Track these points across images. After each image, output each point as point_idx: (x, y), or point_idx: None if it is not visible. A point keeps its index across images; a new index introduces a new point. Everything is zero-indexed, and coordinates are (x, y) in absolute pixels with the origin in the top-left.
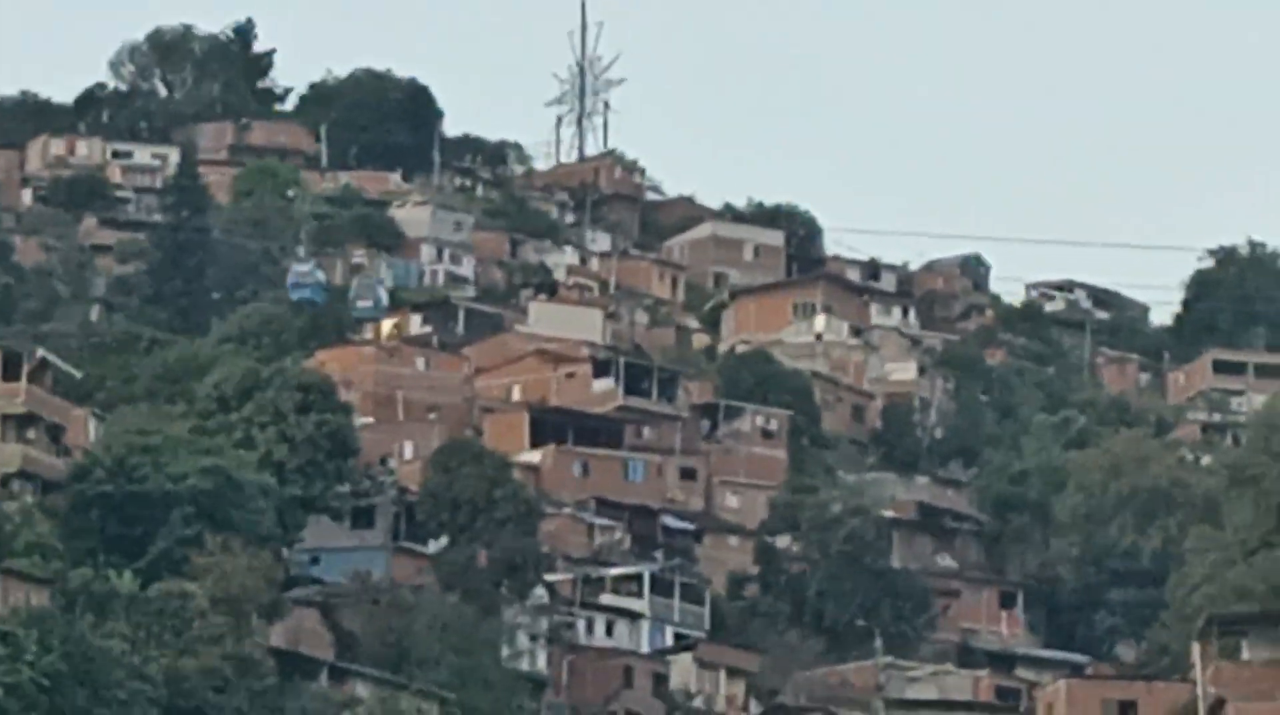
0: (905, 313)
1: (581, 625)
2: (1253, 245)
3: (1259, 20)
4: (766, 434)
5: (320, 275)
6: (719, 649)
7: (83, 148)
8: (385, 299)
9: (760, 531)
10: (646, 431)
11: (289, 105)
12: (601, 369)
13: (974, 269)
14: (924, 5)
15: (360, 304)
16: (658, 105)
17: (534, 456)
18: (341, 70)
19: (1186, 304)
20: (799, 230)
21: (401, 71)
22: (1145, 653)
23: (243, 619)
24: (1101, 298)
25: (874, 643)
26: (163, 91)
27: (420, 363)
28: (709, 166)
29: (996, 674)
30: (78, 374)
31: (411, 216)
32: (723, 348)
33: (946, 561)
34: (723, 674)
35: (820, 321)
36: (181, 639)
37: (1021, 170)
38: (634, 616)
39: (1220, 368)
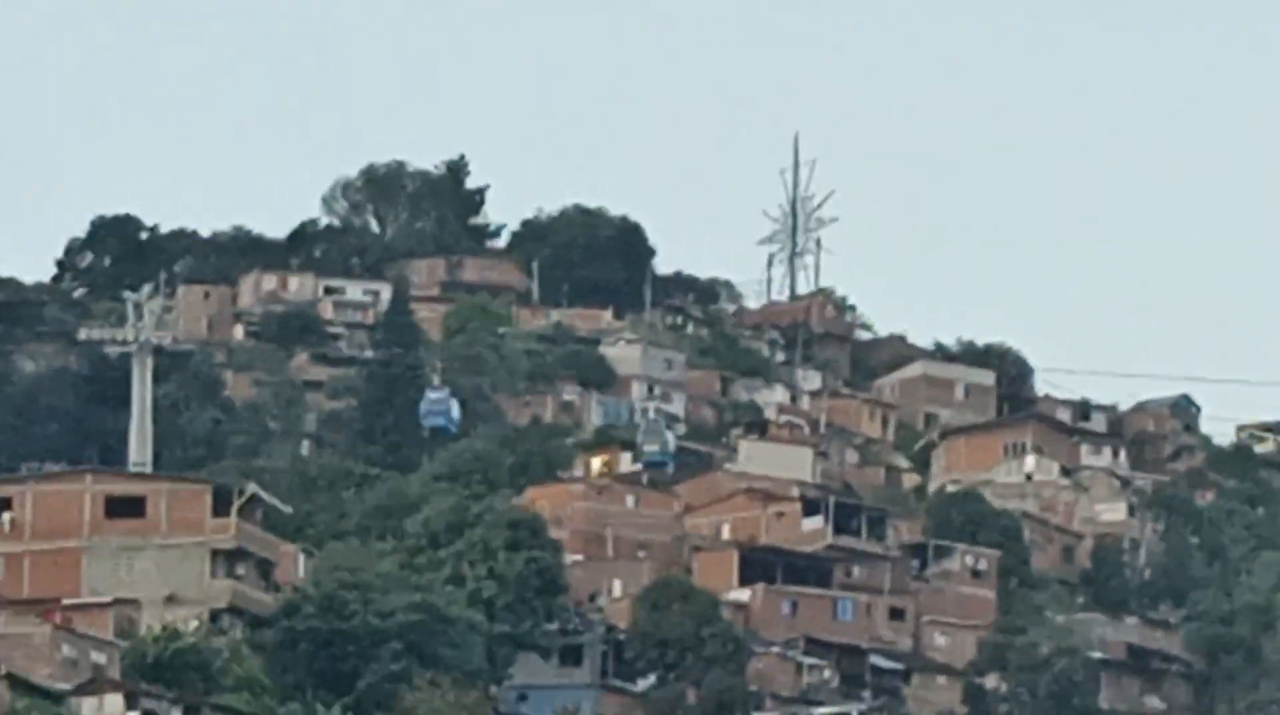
0: (1115, 453)
1: None
2: None
3: None
4: (976, 574)
5: (455, 404)
6: None
7: (295, 283)
8: (672, 444)
9: (968, 671)
10: (856, 571)
11: (501, 242)
12: (811, 508)
13: (1184, 410)
14: (1132, 149)
15: (647, 449)
16: (869, 244)
17: (743, 595)
18: (553, 207)
19: None
20: (1010, 370)
21: (614, 209)
22: None
23: None
24: None
25: None
26: (375, 227)
27: (630, 501)
28: (920, 306)
29: None
30: (288, 510)
31: (622, 354)
32: (932, 487)
33: (1155, 703)
34: None
35: (1030, 461)
36: None
37: (1232, 311)
38: None
39: None
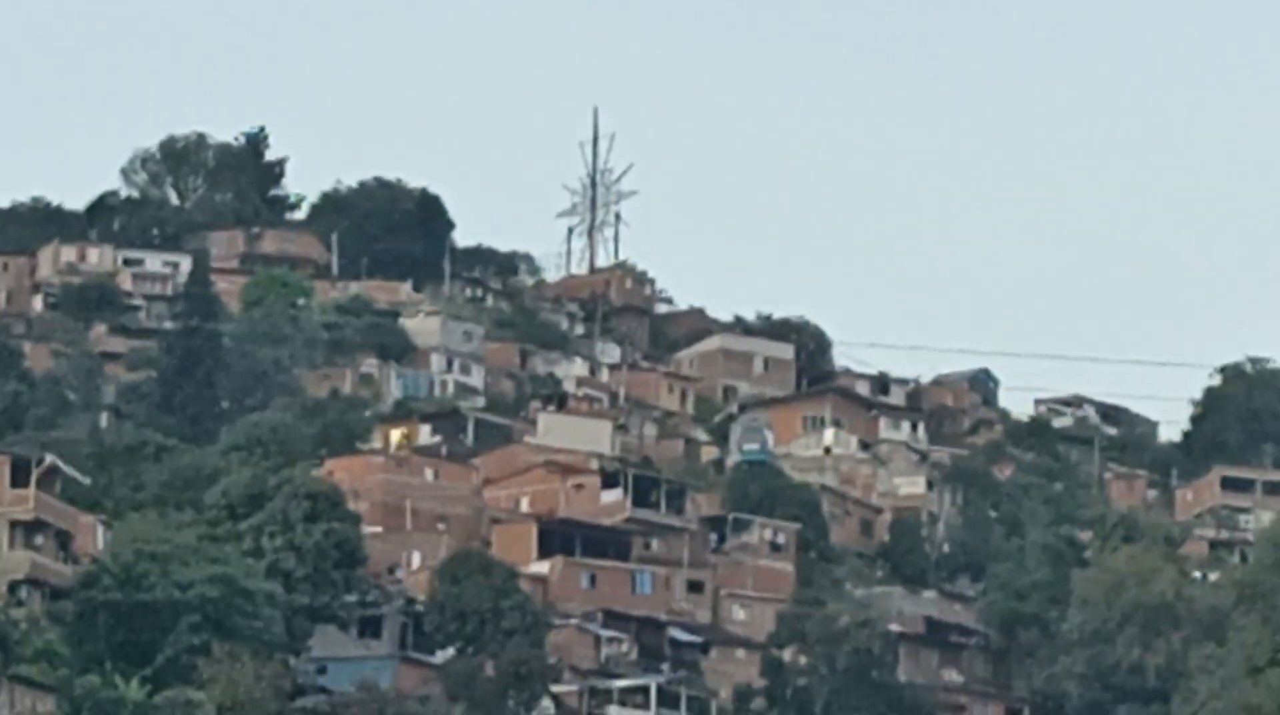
0: (914, 427)
1: None
2: (1259, 362)
3: (1266, 143)
4: (774, 547)
5: None
6: None
7: (94, 255)
8: (770, 441)
9: (767, 644)
10: (654, 543)
11: (301, 214)
12: (610, 481)
13: (983, 384)
14: (935, 122)
15: (746, 447)
16: (669, 217)
17: (542, 567)
18: (353, 180)
19: (1195, 420)
20: (809, 343)
21: (413, 181)
22: None
23: None
24: (1110, 414)
25: None
26: (174, 199)
27: (429, 473)
28: (720, 279)
29: None
30: (86, 481)
31: (421, 326)
32: (731, 460)
33: (953, 676)
34: None
35: (829, 435)
36: None
37: (1031, 286)
38: None
39: (1228, 485)
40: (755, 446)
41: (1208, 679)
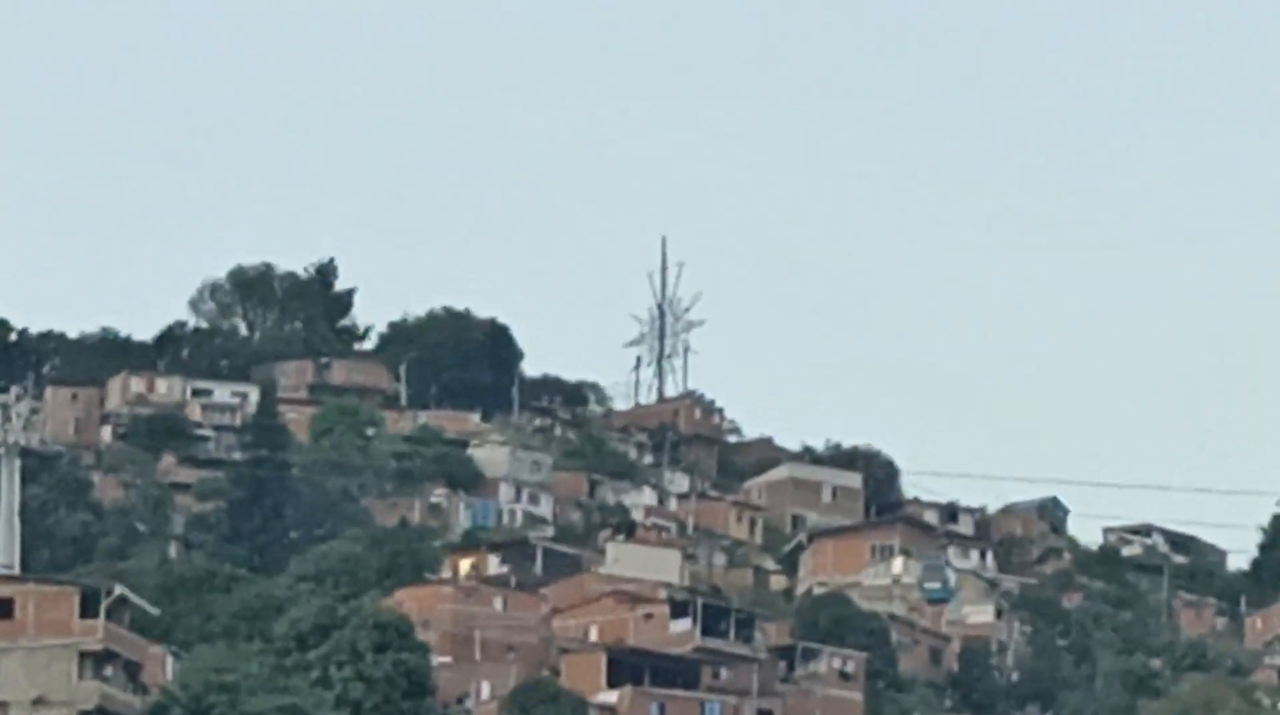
0: (983, 556)
1: None
2: None
3: None
4: (843, 676)
5: None
6: None
7: (162, 386)
8: (954, 580)
9: None
10: (724, 673)
11: (369, 344)
12: (679, 610)
13: (1052, 512)
14: (1000, 251)
15: (928, 585)
16: (737, 346)
17: (611, 697)
18: (421, 309)
19: (1264, 548)
20: (877, 472)
21: (481, 311)
22: None
23: None
24: (1179, 542)
25: None
26: (243, 329)
27: (498, 602)
28: (788, 408)
29: None
30: (155, 611)
31: (490, 456)
32: (800, 589)
33: None
34: None
35: (898, 564)
36: None
37: (1100, 414)
38: None
39: None
40: (937, 585)
41: None
